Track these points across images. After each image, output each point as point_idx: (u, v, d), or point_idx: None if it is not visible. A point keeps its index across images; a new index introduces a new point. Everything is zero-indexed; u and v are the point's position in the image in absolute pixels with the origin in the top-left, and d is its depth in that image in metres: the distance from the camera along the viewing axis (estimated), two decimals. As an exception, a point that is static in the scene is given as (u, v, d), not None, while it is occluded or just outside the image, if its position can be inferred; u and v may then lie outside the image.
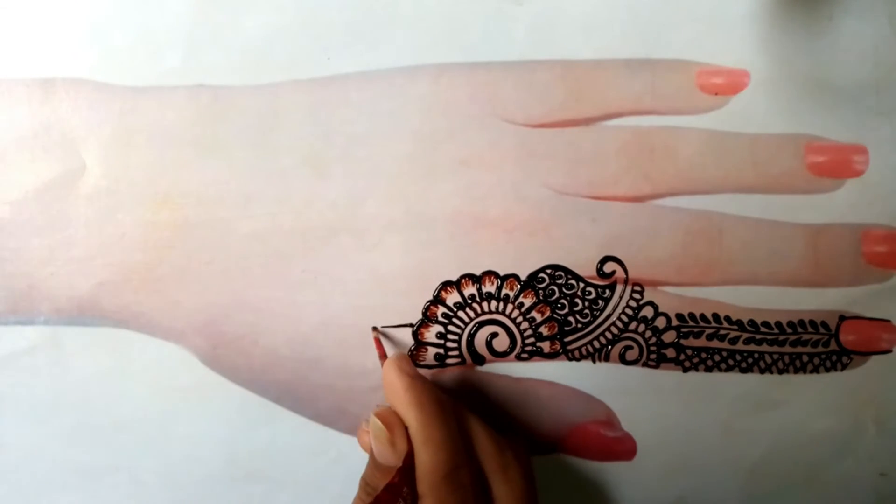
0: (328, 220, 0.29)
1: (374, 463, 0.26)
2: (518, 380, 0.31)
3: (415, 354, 0.30)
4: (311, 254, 0.29)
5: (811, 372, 0.31)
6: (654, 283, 0.30)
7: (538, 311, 0.30)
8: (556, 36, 0.29)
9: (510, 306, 0.30)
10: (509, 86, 0.29)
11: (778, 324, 0.30)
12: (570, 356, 0.30)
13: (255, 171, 0.29)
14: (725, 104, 0.29)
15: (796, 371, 0.31)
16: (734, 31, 0.29)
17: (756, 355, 0.30)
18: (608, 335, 0.30)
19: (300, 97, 0.29)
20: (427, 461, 0.24)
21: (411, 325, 0.30)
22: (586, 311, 0.30)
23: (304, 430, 0.31)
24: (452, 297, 0.30)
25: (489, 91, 0.29)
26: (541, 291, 0.30)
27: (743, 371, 0.31)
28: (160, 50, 0.29)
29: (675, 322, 0.30)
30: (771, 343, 0.30)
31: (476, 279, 0.30)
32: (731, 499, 0.32)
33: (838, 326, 0.30)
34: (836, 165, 0.30)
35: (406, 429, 0.24)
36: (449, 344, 0.30)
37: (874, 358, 0.31)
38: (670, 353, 0.30)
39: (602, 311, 0.30)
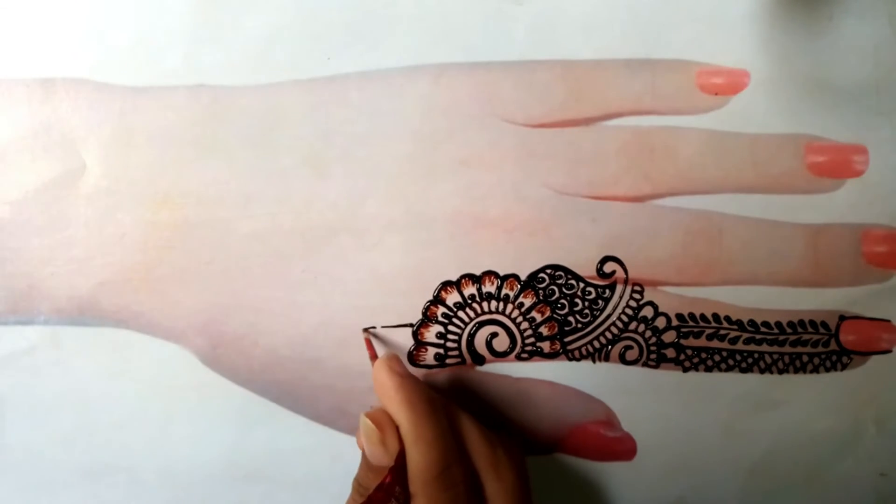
0: (328, 220, 0.29)
1: (366, 463, 0.26)
2: (518, 380, 0.31)
3: (415, 354, 0.30)
4: (311, 254, 0.29)
5: (811, 372, 0.31)
6: (654, 283, 0.30)
7: (538, 311, 0.30)
8: (556, 36, 0.29)
9: (510, 306, 0.30)
10: (509, 86, 0.29)
11: (778, 324, 0.30)
12: (570, 356, 0.30)
13: (255, 171, 0.29)
14: (725, 104, 0.29)
15: (796, 371, 0.31)
16: (734, 31, 0.29)
17: (756, 355, 0.30)
18: (608, 335, 0.30)
19: (300, 97, 0.29)
20: (419, 460, 0.24)
21: (411, 325, 0.30)
22: (586, 311, 0.30)
23: (304, 430, 0.31)
24: (452, 297, 0.30)
25: (489, 91, 0.29)
26: (541, 291, 0.30)
27: (743, 371, 0.31)
28: (160, 50, 0.29)
29: (675, 322, 0.30)
30: (771, 343, 0.30)
31: (476, 279, 0.30)
32: (731, 499, 0.32)
33: (838, 326, 0.30)
34: (836, 165, 0.30)
35: (397, 428, 0.24)
36: (449, 344, 0.30)
37: (874, 358, 0.31)
38: (670, 353, 0.30)
39: (602, 311, 0.30)
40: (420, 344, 0.30)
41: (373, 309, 0.30)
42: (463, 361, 0.30)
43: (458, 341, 0.30)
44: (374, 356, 0.28)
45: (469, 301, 0.30)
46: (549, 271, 0.30)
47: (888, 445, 0.32)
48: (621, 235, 0.30)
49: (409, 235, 0.29)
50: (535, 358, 0.30)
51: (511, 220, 0.30)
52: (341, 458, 0.31)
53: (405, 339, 0.30)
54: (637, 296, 0.30)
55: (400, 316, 0.30)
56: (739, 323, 0.30)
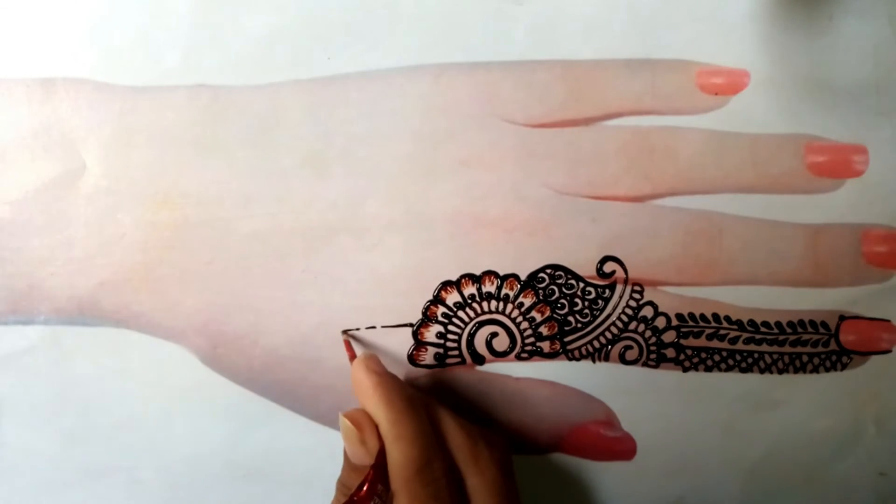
0: (328, 220, 0.29)
1: (348, 464, 0.26)
2: (518, 379, 0.31)
3: (415, 354, 0.30)
4: (311, 254, 0.29)
5: (811, 372, 0.31)
6: (654, 283, 0.30)
7: (538, 311, 0.30)
8: (556, 36, 0.29)
9: (510, 306, 0.30)
10: (509, 86, 0.29)
11: (778, 324, 0.30)
12: (570, 356, 0.30)
13: (255, 171, 0.29)
14: (725, 104, 0.29)
15: (796, 371, 0.31)
16: (734, 31, 0.29)
17: (756, 355, 0.30)
18: (608, 335, 0.30)
19: (300, 97, 0.29)
20: (399, 457, 0.24)
21: (411, 325, 0.30)
22: (586, 310, 0.30)
23: (304, 430, 0.31)
24: (452, 297, 0.30)
25: (489, 91, 0.29)
26: (541, 291, 0.30)
27: (743, 371, 0.31)
28: (160, 50, 0.29)
29: (674, 322, 0.30)
30: (771, 343, 0.30)
31: (476, 279, 0.30)
32: (731, 499, 0.32)
33: (838, 326, 0.30)
34: (836, 165, 0.30)
35: (377, 427, 0.25)
36: (449, 344, 0.30)
37: (874, 358, 0.31)
38: (670, 352, 0.30)
39: (602, 310, 0.30)
40: (420, 344, 0.30)
41: (373, 309, 0.30)
42: (463, 361, 0.30)
43: (458, 341, 0.30)
44: (352, 357, 0.28)
45: (469, 301, 0.30)
46: (549, 271, 0.30)
47: (888, 445, 0.32)
48: (621, 235, 0.30)
49: (409, 235, 0.29)
50: (535, 358, 0.30)
51: (511, 220, 0.30)
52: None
53: (405, 339, 0.30)
54: (637, 296, 0.30)
55: (400, 316, 0.30)
56: (739, 323, 0.30)
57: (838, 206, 0.30)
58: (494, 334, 0.30)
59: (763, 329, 0.30)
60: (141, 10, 0.28)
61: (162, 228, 0.29)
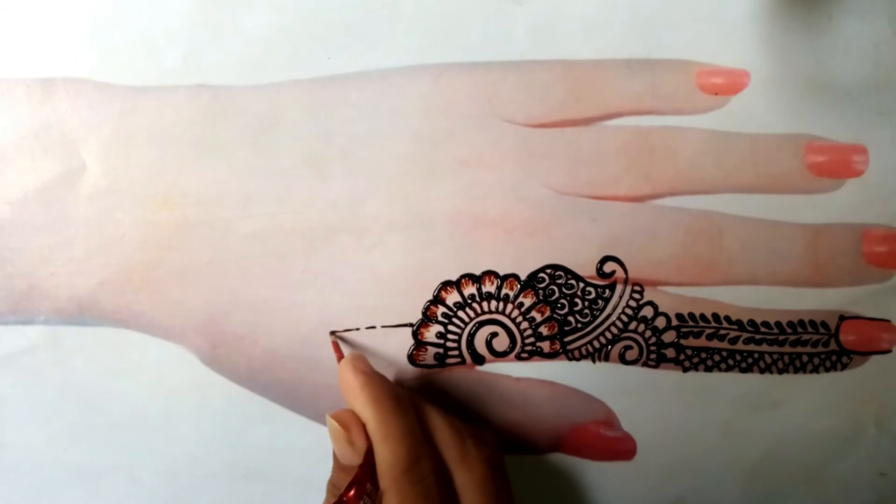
0: (328, 220, 0.29)
1: (337, 465, 0.26)
2: (518, 379, 0.31)
3: (415, 354, 0.30)
4: (311, 254, 0.29)
5: (811, 372, 0.31)
6: (654, 283, 0.30)
7: (538, 311, 0.30)
8: (556, 36, 0.29)
9: (510, 306, 0.30)
10: (509, 86, 0.29)
11: (778, 324, 0.30)
12: (570, 356, 0.30)
13: (255, 171, 0.29)
14: (725, 104, 0.29)
15: (796, 371, 0.31)
16: (734, 31, 0.29)
17: (756, 355, 0.30)
18: (608, 335, 0.30)
19: (300, 97, 0.29)
20: (387, 456, 0.24)
21: (411, 325, 0.30)
22: (586, 310, 0.30)
23: (304, 430, 0.31)
24: (452, 297, 0.30)
25: (489, 91, 0.29)
26: (541, 291, 0.30)
27: (743, 371, 0.31)
28: (160, 50, 0.29)
29: (674, 322, 0.30)
30: (771, 343, 0.30)
31: (476, 279, 0.30)
32: (731, 499, 0.32)
33: (838, 326, 0.30)
34: (836, 165, 0.30)
35: (364, 426, 0.25)
36: (449, 344, 0.30)
37: (874, 358, 0.31)
38: (670, 352, 0.30)
39: (602, 310, 0.30)
40: (420, 344, 0.30)
41: (373, 309, 0.30)
42: (463, 361, 0.30)
43: (458, 341, 0.30)
44: (340, 358, 0.28)
45: (469, 301, 0.30)
46: (549, 271, 0.30)
47: (888, 445, 0.32)
48: (621, 235, 0.30)
49: (409, 235, 0.29)
50: (535, 358, 0.30)
51: (511, 220, 0.30)
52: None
53: (405, 339, 0.30)
54: (637, 296, 0.30)
55: (400, 316, 0.30)
56: (739, 323, 0.30)
57: (838, 206, 0.30)
58: (494, 334, 0.30)
59: (763, 329, 0.30)
60: (141, 10, 0.28)
61: (162, 228, 0.29)
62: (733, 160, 0.29)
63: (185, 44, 0.29)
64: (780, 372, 0.31)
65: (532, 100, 0.29)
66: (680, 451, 0.31)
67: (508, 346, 0.30)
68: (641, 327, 0.30)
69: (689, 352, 0.30)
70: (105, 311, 0.29)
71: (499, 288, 0.30)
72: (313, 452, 0.31)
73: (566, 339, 0.30)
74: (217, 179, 0.29)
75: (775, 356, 0.30)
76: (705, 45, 0.29)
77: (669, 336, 0.30)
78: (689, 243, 0.30)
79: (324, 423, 0.30)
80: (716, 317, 0.30)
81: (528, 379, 0.31)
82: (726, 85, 0.29)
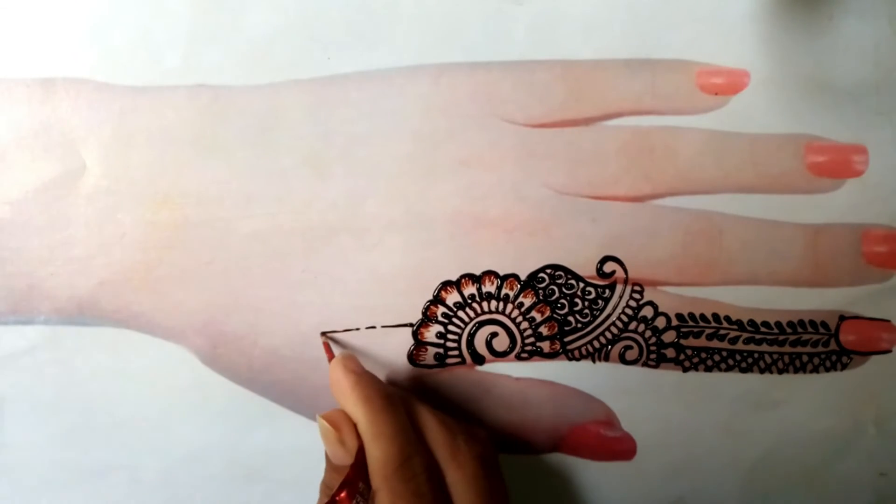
0: (328, 220, 0.29)
1: (329, 465, 0.26)
2: (518, 379, 0.31)
3: (415, 354, 0.30)
4: (311, 254, 0.29)
5: (811, 372, 0.31)
6: (654, 283, 0.30)
7: (538, 311, 0.30)
8: (556, 36, 0.29)
9: (510, 306, 0.30)
10: (509, 86, 0.29)
11: (778, 324, 0.30)
12: (570, 356, 0.30)
13: (255, 171, 0.29)
14: (725, 104, 0.29)
15: (796, 371, 0.31)
16: (734, 31, 0.29)
17: (756, 355, 0.30)
18: (608, 335, 0.30)
19: (300, 97, 0.29)
20: (378, 455, 0.24)
21: (411, 325, 0.30)
22: (586, 310, 0.30)
23: (304, 430, 0.31)
24: (452, 297, 0.30)
25: (489, 91, 0.29)
26: (541, 291, 0.30)
27: (743, 371, 0.31)
28: (160, 50, 0.29)
29: (674, 322, 0.30)
30: (771, 343, 0.30)
31: (476, 279, 0.30)
32: (731, 499, 0.32)
33: (838, 326, 0.30)
34: (836, 165, 0.30)
35: (355, 426, 0.25)
36: (449, 344, 0.30)
37: (874, 358, 0.31)
38: (670, 352, 0.30)
39: (602, 310, 0.30)
40: (420, 344, 0.30)
41: (373, 309, 0.30)
42: (463, 361, 0.30)
43: (458, 341, 0.30)
44: (331, 359, 0.28)
45: (469, 301, 0.30)
46: (549, 271, 0.30)
47: (888, 445, 0.32)
48: (621, 235, 0.30)
49: (409, 235, 0.29)
50: (535, 358, 0.30)
51: (511, 220, 0.30)
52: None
53: (405, 339, 0.30)
54: (637, 296, 0.30)
55: (400, 316, 0.30)
56: (739, 323, 0.30)
57: (838, 206, 0.30)
58: (494, 334, 0.30)
59: (763, 329, 0.30)
60: (141, 10, 0.28)
61: (162, 228, 0.29)
62: (733, 160, 0.29)
63: (185, 44, 0.29)
64: (780, 372, 0.31)
65: (532, 100, 0.29)
66: (680, 451, 0.31)
67: (508, 346, 0.30)
68: (641, 327, 0.30)
69: (689, 352, 0.30)
70: (105, 311, 0.29)
71: (499, 288, 0.30)
72: (313, 452, 0.31)
73: (566, 339, 0.30)
74: (217, 179, 0.29)
75: (775, 356, 0.30)
76: (705, 45, 0.29)
77: (669, 336, 0.30)
78: (689, 243, 0.30)
79: (324, 423, 0.31)
80: (716, 317, 0.30)
81: (527, 379, 0.31)
82: (726, 85, 0.29)
